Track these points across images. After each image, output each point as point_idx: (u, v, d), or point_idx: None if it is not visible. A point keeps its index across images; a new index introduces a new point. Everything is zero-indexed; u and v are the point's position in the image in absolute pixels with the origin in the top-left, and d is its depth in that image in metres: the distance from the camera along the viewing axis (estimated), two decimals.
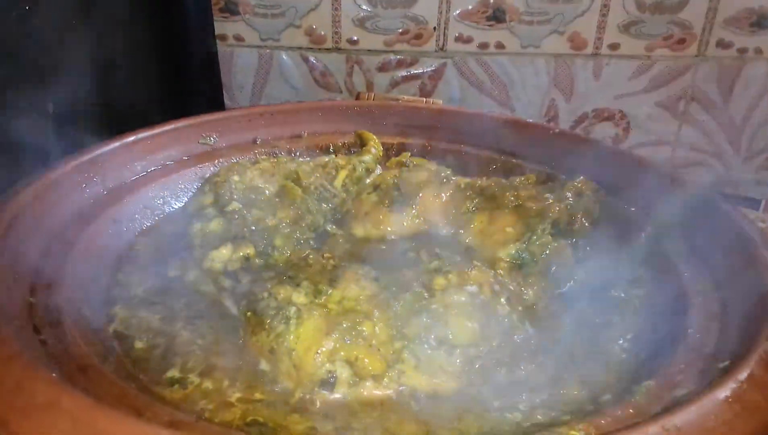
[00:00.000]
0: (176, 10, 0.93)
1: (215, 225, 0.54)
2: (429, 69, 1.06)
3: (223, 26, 1.03)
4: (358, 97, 1.00)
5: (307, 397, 0.40)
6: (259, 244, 0.53)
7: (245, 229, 0.54)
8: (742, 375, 0.34)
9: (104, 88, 0.77)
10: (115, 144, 0.60)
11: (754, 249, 0.47)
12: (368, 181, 0.65)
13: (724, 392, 0.33)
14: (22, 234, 0.47)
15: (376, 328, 0.42)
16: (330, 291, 0.44)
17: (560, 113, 1.09)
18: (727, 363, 0.37)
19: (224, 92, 1.08)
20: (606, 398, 0.39)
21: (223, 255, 0.51)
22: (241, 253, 0.51)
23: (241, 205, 0.56)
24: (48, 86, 0.68)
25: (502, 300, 0.46)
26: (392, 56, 1.05)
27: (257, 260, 0.52)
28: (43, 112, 0.67)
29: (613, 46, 1.03)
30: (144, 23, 0.86)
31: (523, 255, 0.52)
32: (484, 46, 1.03)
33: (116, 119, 0.72)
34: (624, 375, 0.42)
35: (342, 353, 0.41)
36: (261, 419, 0.39)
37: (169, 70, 0.89)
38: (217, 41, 1.03)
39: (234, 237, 0.53)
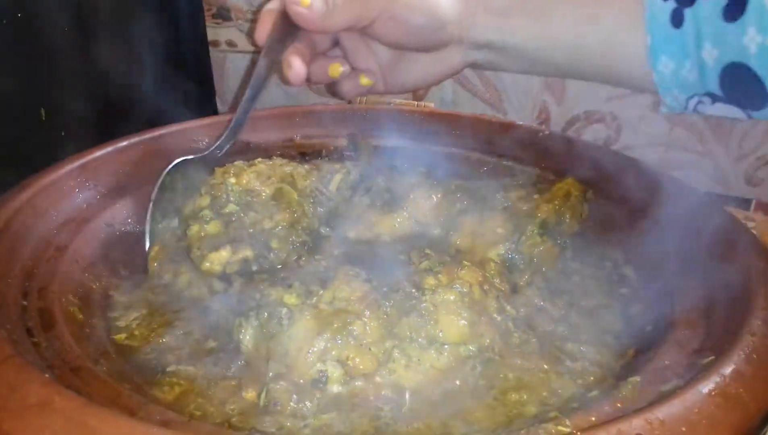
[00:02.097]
0: (168, 16, 0.94)
1: (213, 227, 0.54)
2: None
3: (215, 32, 1.03)
4: (350, 102, 1.01)
5: (299, 396, 0.41)
6: (257, 246, 0.53)
7: (243, 232, 0.54)
8: (726, 370, 0.35)
9: (96, 93, 0.77)
10: (108, 149, 0.61)
11: (740, 248, 0.47)
12: (360, 184, 0.65)
13: (707, 386, 0.34)
14: (15, 238, 0.47)
15: (367, 327, 0.42)
16: (321, 292, 0.44)
17: (552, 116, 1.10)
18: (711, 358, 0.37)
19: (217, 98, 1.08)
20: (593, 394, 0.40)
21: (222, 257, 0.52)
22: (240, 255, 0.52)
23: (238, 208, 0.56)
24: (40, 91, 0.68)
25: (492, 299, 0.46)
26: None
27: (254, 262, 0.52)
28: (35, 118, 0.67)
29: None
30: (136, 30, 0.86)
31: (513, 255, 0.53)
32: None
33: (108, 124, 0.72)
34: (611, 371, 0.43)
35: (333, 353, 0.41)
36: (254, 419, 0.40)
37: (162, 76, 0.89)
38: (210, 47, 1.04)
39: (232, 239, 0.53)
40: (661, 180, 0.59)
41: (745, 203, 0.92)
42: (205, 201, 0.58)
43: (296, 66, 0.51)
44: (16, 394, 0.32)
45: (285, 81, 0.52)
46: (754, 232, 0.56)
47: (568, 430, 0.33)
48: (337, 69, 0.56)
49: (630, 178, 0.61)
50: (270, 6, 0.53)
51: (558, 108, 1.09)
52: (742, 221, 0.53)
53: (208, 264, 0.52)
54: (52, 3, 0.69)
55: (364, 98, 1.00)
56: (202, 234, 0.55)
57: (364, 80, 0.57)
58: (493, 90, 1.07)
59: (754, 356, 0.36)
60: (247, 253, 0.52)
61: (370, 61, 0.57)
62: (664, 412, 0.32)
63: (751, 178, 1.14)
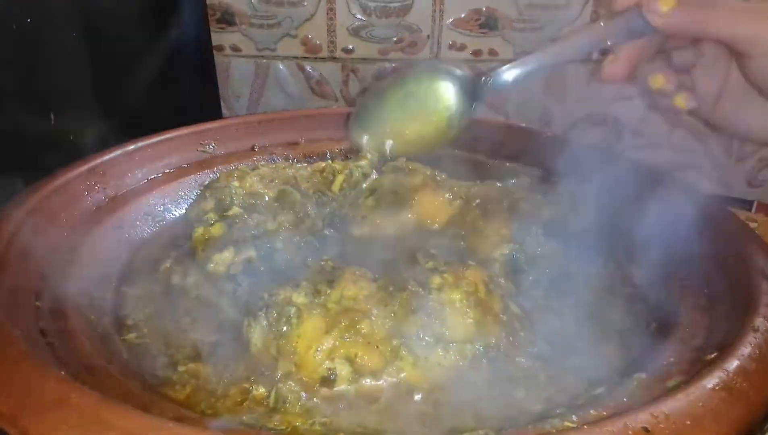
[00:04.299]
0: (173, 21, 0.95)
1: (217, 229, 0.55)
2: None
3: (220, 37, 1.04)
4: (353, 105, 1.02)
5: (308, 394, 0.41)
6: (261, 247, 0.54)
7: (246, 234, 0.55)
8: (730, 365, 0.36)
9: (104, 98, 0.78)
10: (116, 152, 0.62)
11: (742, 246, 0.48)
12: (365, 185, 0.66)
13: (711, 381, 0.34)
14: (27, 241, 0.48)
15: (375, 326, 0.43)
16: (329, 291, 0.45)
17: (554, 118, 1.10)
18: (715, 354, 0.38)
19: (222, 102, 1.09)
20: (599, 391, 0.40)
21: (226, 258, 0.52)
22: (244, 256, 0.52)
23: (241, 210, 0.57)
24: (49, 96, 0.69)
25: (497, 298, 0.47)
26: (387, 64, 1.06)
27: (259, 263, 0.53)
28: (45, 122, 0.68)
29: (605, 52, 1.04)
30: (142, 35, 0.87)
31: (517, 255, 0.54)
32: (477, 53, 1.05)
33: (116, 128, 0.73)
34: (617, 369, 0.43)
35: (341, 351, 0.42)
36: (263, 417, 0.40)
37: (168, 81, 0.90)
38: (214, 52, 1.05)
39: (236, 241, 0.54)
40: (663, 181, 0.60)
41: (746, 204, 0.92)
42: (210, 204, 0.59)
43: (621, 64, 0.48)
44: (32, 391, 0.32)
45: (601, 74, 0.50)
46: (756, 232, 0.57)
47: (573, 425, 0.34)
48: (658, 80, 0.49)
49: (632, 179, 0.62)
50: None
51: (560, 110, 1.09)
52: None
53: (212, 265, 0.53)
54: (60, 9, 0.70)
55: None
56: (206, 236, 0.55)
57: (680, 102, 0.49)
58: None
59: (758, 352, 0.37)
60: (251, 253, 0.53)
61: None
62: (669, 406, 0.32)
63: (753, 180, 1.15)
